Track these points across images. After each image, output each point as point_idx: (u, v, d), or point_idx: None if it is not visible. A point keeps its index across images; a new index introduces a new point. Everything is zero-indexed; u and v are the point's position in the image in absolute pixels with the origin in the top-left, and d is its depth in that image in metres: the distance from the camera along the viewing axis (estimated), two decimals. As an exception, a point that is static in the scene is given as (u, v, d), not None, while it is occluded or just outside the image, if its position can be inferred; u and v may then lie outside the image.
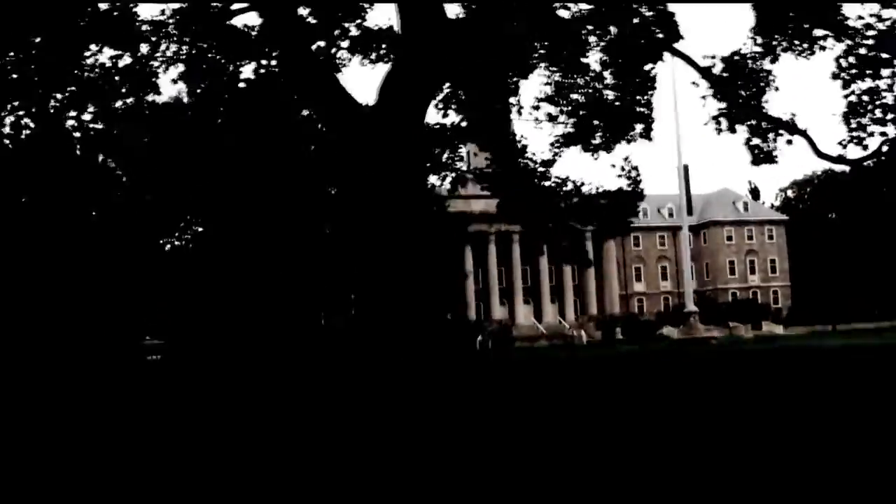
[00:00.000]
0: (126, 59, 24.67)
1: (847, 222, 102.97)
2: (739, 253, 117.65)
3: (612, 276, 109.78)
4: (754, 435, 7.67)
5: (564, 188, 26.88)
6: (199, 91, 23.86)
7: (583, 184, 26.90)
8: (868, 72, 22.12)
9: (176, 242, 55.79)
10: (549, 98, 24.05)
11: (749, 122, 22.86)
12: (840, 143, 22.58)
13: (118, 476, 6.84)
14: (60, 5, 23.73)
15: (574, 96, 24.03)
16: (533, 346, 79.56)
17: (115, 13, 22.85)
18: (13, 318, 40.50)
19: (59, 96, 27.42)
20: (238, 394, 17.52)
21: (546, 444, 7.73)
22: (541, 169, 26.07)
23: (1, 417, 13.62)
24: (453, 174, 28.16)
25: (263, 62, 22.36)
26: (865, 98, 22.27)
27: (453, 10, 22.73)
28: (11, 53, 25.23)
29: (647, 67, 23.94)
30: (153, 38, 22.77)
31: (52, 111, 28.22)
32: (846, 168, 25.56)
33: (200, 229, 52.64)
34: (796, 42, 22.92)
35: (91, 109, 28.13)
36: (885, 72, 22.40)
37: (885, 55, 22.13)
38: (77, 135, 31.24)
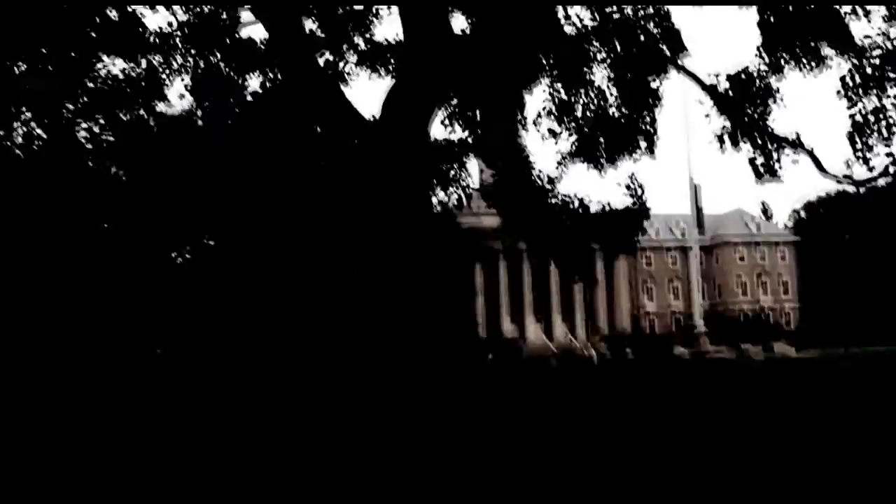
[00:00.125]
0: (135, 71, 24.92)
1: (860, 243, 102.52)
2: (751, 273, 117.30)
3: (622, 294, 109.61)
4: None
5: (570, 206, 26.85)
6: (206, 104, 24.03)
7: (589, 201, 26.85)
8: (874, 90, 22.05)
9: (187, 256, 55.88)
10: (554, 113, 24.09)
11: (753, 140, 22.83)
12: (846, 163, 22.49)
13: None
14: (71, 16, 23.95)
15: (578, 111, 24.06)
16: (543, 362, 79.34)
17: (124, 24, 23.04)
18: (22, 325, 40.64)
19: (70, 107, 27.63)
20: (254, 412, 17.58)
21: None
22: (547, 186, 26.07)
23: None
24: (460, 190, 28.16)
25: (270, 75, 22.52)
26: (871, 117, 22.18)
27: (458, 24, 22.74)
28: (23, 64, 25.45)
29: (653, 84, 23.97)
30: (161, 50, 22.95)
31: (63, 122, 28.43)
32: (852, 188, 25.43)
33: (212, 242, 52.72)
34: (804, 60, 22.87)
35: (101, 121, 28.36)
36: (892, 90, 22.33)
37: (891, 73, 22.07)
38: (89, 146, 31.45)
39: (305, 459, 8.63)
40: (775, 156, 22.69)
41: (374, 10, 24.64)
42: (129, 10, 23.15)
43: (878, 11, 21.65)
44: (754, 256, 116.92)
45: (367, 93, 24.86)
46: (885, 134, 22.09)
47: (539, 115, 24.28)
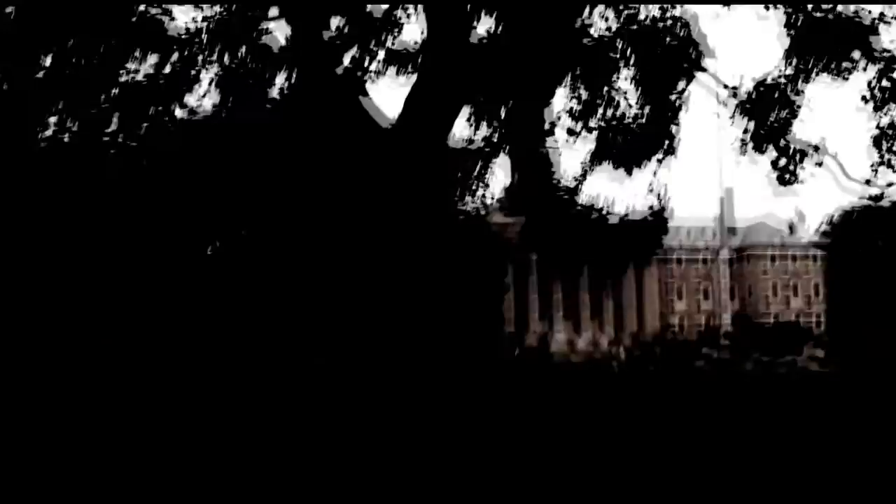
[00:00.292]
0: (163, 67, 25.15)
1: (893, 250, 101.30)
2: (781, 279, 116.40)
3: (651, 298, 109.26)
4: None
5: (592, 212, 26.77)
6: (229, 103, 24.22)
7: (612, 206, 26.75)
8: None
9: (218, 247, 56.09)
10: (576, 117, 24.03)
11: (777, 146, 22.69)
12: (871, 169, 22.34)
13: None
14: (101, 12, 24.20)
15: (599, 114, 23.98)
16: (568, 364, 79.08)
17: (153, 20, 23.28)
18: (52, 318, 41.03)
19: (101, 102, 27.90)
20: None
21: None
22: (568, 191, 26.00)
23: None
24: (483, 191, 28.14)
25: (294, 75, 22.67)
26: (896, 124, 22.02)
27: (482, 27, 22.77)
28: (53, 58, 25.76)
29: (677, 88, 23.87)
30: (188, 47, 23.16)
31: (94, 115, 28.71)
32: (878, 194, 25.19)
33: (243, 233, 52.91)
34: (832, 66, 22.72)
35: (132, 115, 28.62)
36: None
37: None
38: (119, 140, 31.73)
39: (328, 450, 8.77)
40: (798, 162, 22.55)
41: (404, 10, 24.68)
42: (158, 7, 23.42)
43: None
44: (784, 264, 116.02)
45: (393, 93, 24.95)
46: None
47: (559, 117, 24.25)
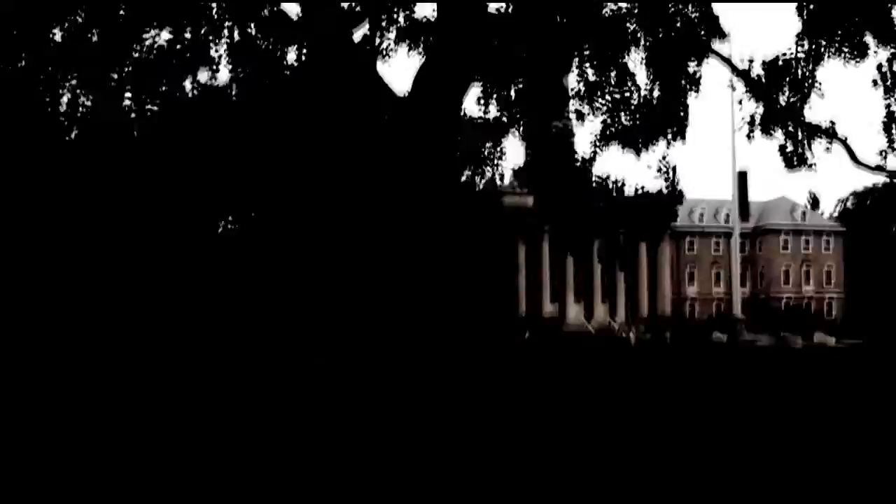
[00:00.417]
0: (179, 40, 25.20)
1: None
2: (795, 261, 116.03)
3: (664, 279, 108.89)
4: None
5: (605, 188, 26.84)
6: (243, 75, 24.32)
7: (623, 184, 26.83)
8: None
9: (229, 226, 56.31)
10: (588, 94, 24.02)
11: (785, 128, 22.65)
12: (880, 153, 22.30)
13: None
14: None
15: (614, 93, 23.95)
16: (580, 342, 79.16)
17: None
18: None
19: (115, 76, 28.01)
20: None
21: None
22: (580, 169, 26.04)
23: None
24: (494, 168, 28.21)
25: (305, 49, 22.75)
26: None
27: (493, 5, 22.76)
28: (67, 31, 25.86)
29: (690, 68, 23.82)
30: (202, 19, 23.24)
31: (109, 89, 28.83)
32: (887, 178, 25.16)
33: (253, 214, 53.11)
34: (845, 48, 22.59)
35: (148, 89, 28.73)
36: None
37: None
38: (133, 115, 31.89)
39: (348, 429, 8.97)
40: (807, 144, 22.51)
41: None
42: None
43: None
44: (798, 245, 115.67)
45: (405, 69, 24.96)
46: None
47: (570, 97, 24.25)
